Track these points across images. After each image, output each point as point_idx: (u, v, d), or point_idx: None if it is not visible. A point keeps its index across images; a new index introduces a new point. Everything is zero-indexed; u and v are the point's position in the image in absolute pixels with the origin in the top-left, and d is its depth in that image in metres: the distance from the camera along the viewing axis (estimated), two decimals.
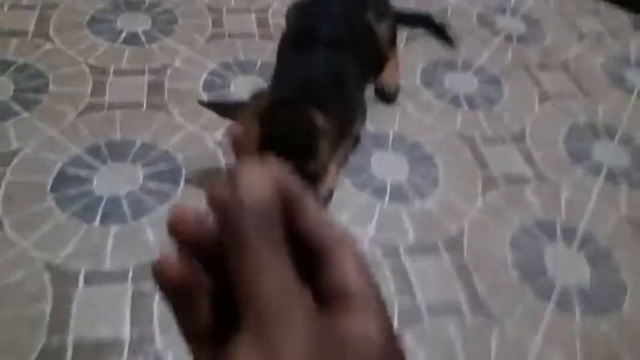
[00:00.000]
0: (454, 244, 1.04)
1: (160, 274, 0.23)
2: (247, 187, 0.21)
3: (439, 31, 1.57)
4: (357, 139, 1.20)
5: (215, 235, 0.23)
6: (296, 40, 1.20)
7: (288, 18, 1.37)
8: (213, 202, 0.22)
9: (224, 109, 1.00)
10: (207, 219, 0.24)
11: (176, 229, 0.24)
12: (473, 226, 1.08)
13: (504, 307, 0.96)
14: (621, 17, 1.81)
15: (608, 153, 1.30)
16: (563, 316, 0.96)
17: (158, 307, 0.88)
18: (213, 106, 1.02)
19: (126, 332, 0.85)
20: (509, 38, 1.63)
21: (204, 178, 1.09)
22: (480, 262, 1.02)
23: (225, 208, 0.21)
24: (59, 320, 0.85)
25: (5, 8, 1.44)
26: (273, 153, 0.87)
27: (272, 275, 0.21)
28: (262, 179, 0.22)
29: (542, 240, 1.08)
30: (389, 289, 0.96)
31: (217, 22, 1.50)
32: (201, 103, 1.02)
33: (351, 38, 1.19)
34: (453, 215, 1.10)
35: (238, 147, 0.24)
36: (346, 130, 1.12)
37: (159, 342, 0.85)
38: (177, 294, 0.24)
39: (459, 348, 0.90)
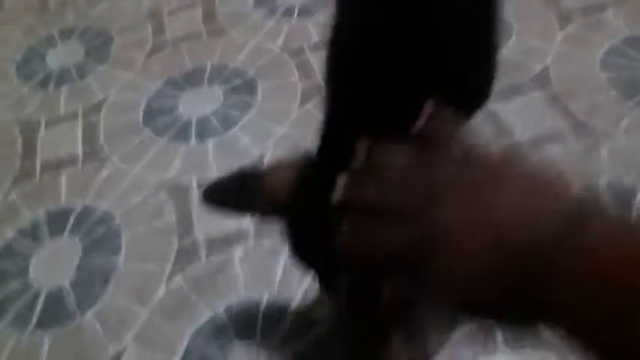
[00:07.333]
0: (541, 80, 1.02)
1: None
2: None
3: None
4: None
5: None
6: None
7: None
8: None
9: None
10: None
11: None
12: (556, 59, 1.05)
13: (608, 124, 0.93)
14: None
15: None
16: None
17: None
18: None
19: (247, 222, 0.90)
20: None
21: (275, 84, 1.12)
22: (572, 90, 0.99)
23: None
24: (185, 226, 0.92)
25: None
26: None
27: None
28: None
29: (633, 56, 1.03)
30: (487, 135, 0.95)
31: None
32: None
33: None
34: (534, 56, 1.07)
35: None
36: None
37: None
38: None
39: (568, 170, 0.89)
